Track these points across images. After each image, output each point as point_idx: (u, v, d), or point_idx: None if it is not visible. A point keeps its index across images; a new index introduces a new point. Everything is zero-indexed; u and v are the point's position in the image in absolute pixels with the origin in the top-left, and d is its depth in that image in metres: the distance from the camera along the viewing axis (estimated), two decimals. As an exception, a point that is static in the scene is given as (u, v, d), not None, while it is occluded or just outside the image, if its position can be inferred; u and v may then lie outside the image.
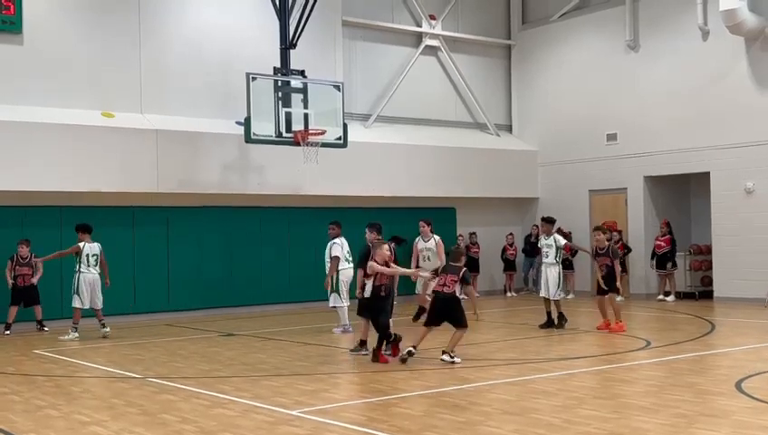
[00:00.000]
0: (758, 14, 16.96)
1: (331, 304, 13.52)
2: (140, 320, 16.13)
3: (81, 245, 13.64)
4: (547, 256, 13.73)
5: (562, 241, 13.82)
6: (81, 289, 13.56)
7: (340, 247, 13.32)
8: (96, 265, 13.70)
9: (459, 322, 10.27)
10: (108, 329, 13.70)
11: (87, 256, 13.60)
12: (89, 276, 13.61)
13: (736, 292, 17.39)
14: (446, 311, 10.30)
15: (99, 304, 13.78)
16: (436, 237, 14.40)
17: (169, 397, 8.51)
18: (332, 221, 13.82)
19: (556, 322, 13.49)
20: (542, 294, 13.86)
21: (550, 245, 13.72)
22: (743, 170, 17.48)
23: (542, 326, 13.53)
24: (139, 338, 13.64)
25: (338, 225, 13.68)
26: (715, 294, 18.01)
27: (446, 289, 10.27)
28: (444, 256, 13.48)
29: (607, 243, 13.34)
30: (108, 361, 11.13)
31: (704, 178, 18.29)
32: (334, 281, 13.34)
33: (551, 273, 13.66)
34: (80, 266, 13.60)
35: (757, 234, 17.23)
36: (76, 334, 13.40)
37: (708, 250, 18.49)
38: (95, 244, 13.77)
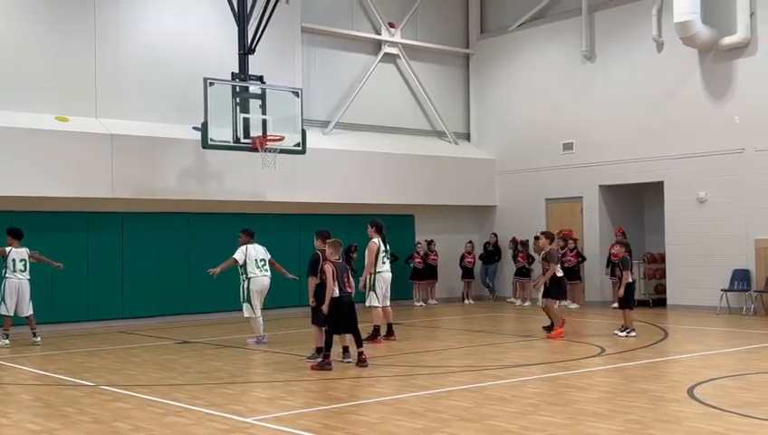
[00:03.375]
0: (711, 27, 17.29)
1: (244, 314, 13.10)
2: (93, 327, 15.88)
3: (7, 249, 13.39)
4: None
5: None
6: (6, 296, 13.30)
7: (243, 253, 12.93)
8: (25, 271, 13.42)
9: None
10: (38, 339, 13.46)
11: (13, 260, 13.36)
12: (14, 282, 13.34)
13: (689, 300, 17.67)
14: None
15: (26, 312, 13.44)
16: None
17: (122, 405, 8.38)
18: (243, 229, 13.35)
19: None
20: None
21: None
22: (695, 180, 17.79)
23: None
24: (91, 346, 13.42)
25: (246, 233, 13.19)
26: (669, 302, 18.28)
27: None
28: (372, 258, 12.95)
29: (548, 247, 13.52)
30: (59, 368, 10.92)
31: (658, 187, 18.57)
32: (245, 290, 12.96)
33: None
34: (5, 272, 13.36)
35: (709, 243, 17.52)
36: (6, 341, 13.14)
37: (662, 259, 18.77)
38: (23, 249, 13.52)
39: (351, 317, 10.49)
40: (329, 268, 10.33)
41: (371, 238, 13.07)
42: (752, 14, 16.94)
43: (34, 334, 13.48)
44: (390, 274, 13.18)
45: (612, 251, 15.58)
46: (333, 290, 10.28)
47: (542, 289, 13.64)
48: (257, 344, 12.94)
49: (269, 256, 13.30)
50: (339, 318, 10.36)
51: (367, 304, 13.03)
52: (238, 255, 12.95)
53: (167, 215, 17.16)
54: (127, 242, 16.77)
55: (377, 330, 12.96)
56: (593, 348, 12.09)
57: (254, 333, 13.14)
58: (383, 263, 13.00)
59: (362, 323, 12.42)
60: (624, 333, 13.07)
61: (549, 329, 13.54)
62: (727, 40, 17.19)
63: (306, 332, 13.17)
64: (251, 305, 12.97)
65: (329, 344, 10.35)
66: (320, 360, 10.44)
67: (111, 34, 16.54)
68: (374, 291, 12.93)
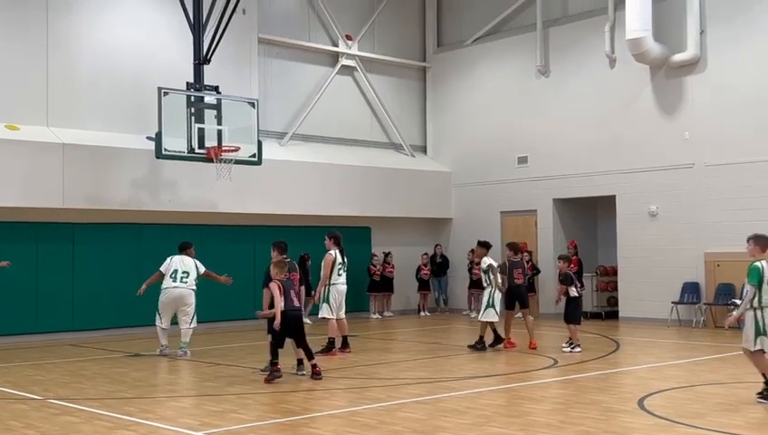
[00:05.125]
0: (662, 44, 17.62)
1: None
2: (42, 339, 15.57)
3: None
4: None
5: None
6: None
7: (166, 264, 13.15)
8: None
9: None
10: None
11: None
12: None
13: (640, 312, 17.92)
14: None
15: None
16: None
17: (70, 419, 8.23)
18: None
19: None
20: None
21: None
22: (647, 194, 18.07)
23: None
24: (40, 358, 13.15)
25: (179, 246, 13.47)
26: (621, 315, 18.51)
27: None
28: (328, 270, 12.88)
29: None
30: (6, 381, 10.68)
31: (610, 201, 18.83)
32: (159, 301, 13.17)
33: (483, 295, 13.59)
34: None
35: (660, 256, 17.80)
36: None
37: (614, 271, 19.01)
38: None
39: (299, 332, 10.46)
40: (274, 286, 10.29)
41: (328, 250, 13.02)
42: (702, 32, 17.30)
43: None
44: (345, 286, 13.13)
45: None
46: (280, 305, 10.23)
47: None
48: (160, 355, 13.04)
49: (203, 270, 13.36)
50: (283, 332, 10.32)
51: (320, 315, 13.00)
52: (162, 266, 13.21)
53: (119, 226, 16.93)
54: (77, 253, 16.50)
55: (331, 342, 12.91)
56: (546, 360, 12.18)
57: (160, 344, 13.26)
58: (339, 275, 12.95)
59: (318, 335, 12.37)
60: (569, 348, 13.05)
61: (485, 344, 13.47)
62: (678, 57, 17.53)
63: (259, 344, 13.08)
64: (159, 314, 13.18)
65: (275, 353, 10.31)
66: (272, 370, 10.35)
67: (64, 42, 16.30)
68: (328, 303, 12.88)
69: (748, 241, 9.05)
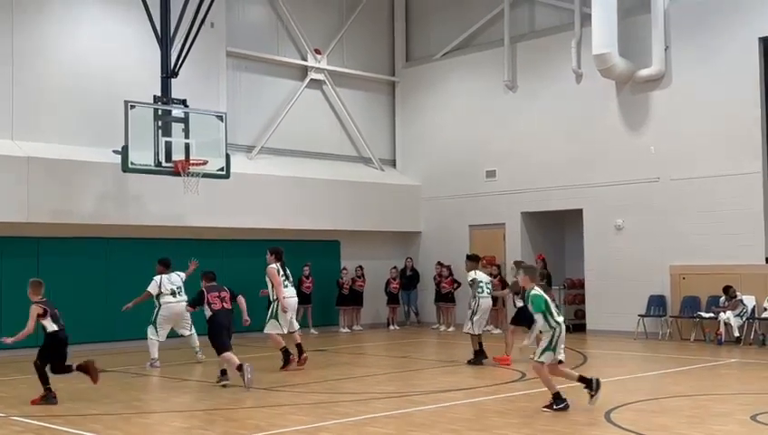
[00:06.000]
0: (628, 60, 17.85)
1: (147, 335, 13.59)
2: (6, 356, 15.28)
3: None
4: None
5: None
6: None
7: (156, 285, 13.46)
8: None
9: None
10: None
11: None
12: None
13: (607, 325, 18.05)
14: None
15: None
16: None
17: (34, 437, 8.11)
18: (159, 259, 13.89)
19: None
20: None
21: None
22: (613, 208, 18.25)
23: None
24: (3, 375, 12.97)
25: (161, 263, 13.75)
26: (588, 327, 18.64)
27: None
28: (277, 280, 12.83)
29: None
30: (-32, 399, 10.51)
31: (577, 214, 19.00)
32: (154, 314, 13.53)
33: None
34: None
35: (627, 269, 17.97)
36: None
37: (581, 284, 19.15)
38: None
39: (65, 354, 10.33)
40: (34, 310, 10.24)
41: (269, 264, 12.96)
42: (666, 48, 17.56)
43: None
44: (295, 298, 13.14)
45: None
46: (46, 328, 10.19)
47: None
48: (151, 368, 13.23)
49: (184, 276, 13.84)
50: (53, 353, 10.20)
51: (265, 331, 12.91)
52: (152, 287, 13.55)
53: (85, 240, 16.74)
54: (42, 267, 16.23)
55: (285, 352, 12.72)
56: (515, 373, 12.23)
57: (150, 357, 13.49)
58: (284, 287, 12.87)
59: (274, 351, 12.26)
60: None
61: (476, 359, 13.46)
62: (643, 72, 17.76)
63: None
64: (155, 328, 13.50)
65: (44, 378, 10.11)
66: (43, 394, 10.10)
67: (30, 55, 16.11)
68: (276, 319, 12.73)
69: (518, 271, 9.40)
